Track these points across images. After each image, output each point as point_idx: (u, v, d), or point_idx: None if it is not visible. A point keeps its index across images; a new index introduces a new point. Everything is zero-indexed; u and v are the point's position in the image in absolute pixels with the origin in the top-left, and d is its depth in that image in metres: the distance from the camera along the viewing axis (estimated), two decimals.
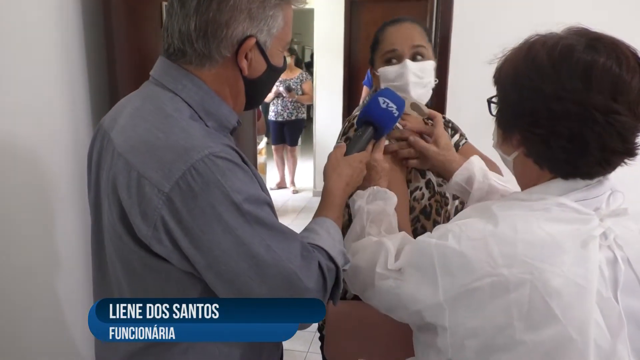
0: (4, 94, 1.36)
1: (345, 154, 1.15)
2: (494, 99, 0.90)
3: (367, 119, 1.19)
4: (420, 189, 1.29)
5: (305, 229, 1.01)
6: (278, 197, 5.80)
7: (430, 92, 1.33)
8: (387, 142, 1.25)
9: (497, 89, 0.88)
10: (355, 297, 1.32)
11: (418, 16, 1.56)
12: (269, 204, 0.89)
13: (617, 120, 0.74)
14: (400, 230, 1.08)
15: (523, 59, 0.81)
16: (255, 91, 0.98)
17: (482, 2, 2.27)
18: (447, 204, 1.33)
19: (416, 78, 1.26)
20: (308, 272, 0.87)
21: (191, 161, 0.80)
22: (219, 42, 0.87)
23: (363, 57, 4.52)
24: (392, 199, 1.15)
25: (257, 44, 0.90)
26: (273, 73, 0.97)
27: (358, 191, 1.17)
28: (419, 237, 0.89)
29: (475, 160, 1.20)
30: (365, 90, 4.61)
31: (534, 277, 0.73)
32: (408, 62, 1.25)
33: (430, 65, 1.28)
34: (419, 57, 1.27)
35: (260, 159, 4.93)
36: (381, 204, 1.13)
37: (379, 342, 1.20)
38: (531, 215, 0.79)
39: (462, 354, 0.80)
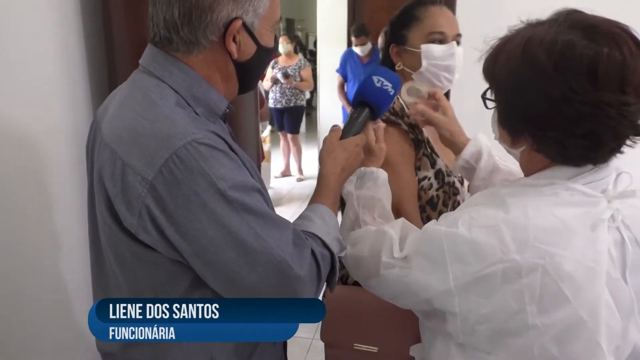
0: (2, 84, 1.36)
1: (341, 138, 1.12)
2: (488, 96, 0.88)
3: (362, 99, 1.16)
4: (429, 179, 1.28)
5: (300, 217, 1.00)
6: (283, 185, 5.80)
7: None
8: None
9: (495, 90, 0.86)
10: (356, 283, 1.32)
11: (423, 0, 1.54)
12: (260, 191, 0.88)
13: (628, 111, 0.73)
14: (410, 220, 1.08)
15: (521, 61, 0.78)
16: (247, 74, 0.96)
17: None
18: (455, 194, 1.31)
19: (460, 62, 1.28)
20: (300, 260, 0.86)
21: (174, 148, 0.79)
22: (205, 27, 0.86)
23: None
24: (381, 176, 1.14)
25: (244, 25, 0.88)
26: (264, 54, 0.95)
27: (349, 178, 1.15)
28: (427, 225, 0.89)
29: (481, 136, 1.20)
30: (339, 79, 4.69)
31: (546, 261, 0.74)
32: (455, 45, 1.27)
33: (462, 52, 1.30)
34: (459, 44, 1.29)
35: (265, 146, 4.92)
36: (371, 185, 1.12)
37: (376, 327, 1.21)
38: (541, 200, 0.79)
39: (474, 338, 0.81)
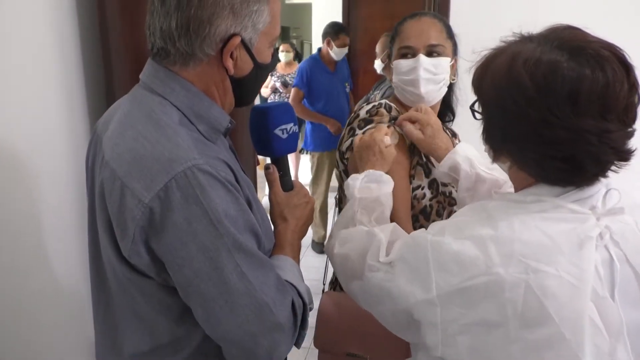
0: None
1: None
2: (475, 107, 0.87)
3: (278, 156, 1.07)
4: (422, 188, 1.28)
5: None
6: None
7: (444, 89, 1.31)
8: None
9: (480, 104, 0.85)
10: None
11: (415, 9, 1.56)
12: (253, 230, 0.86)
13: (610, 138, 0.72)
14: (401, 227, 1.08)
15: (505, 80, 0.77)
16: (243, 90, 0.94)
17: None
18: (451, 205, 1.31)
19: (428, 74, 1.24)
20: (281, 307, 0.85)
21: (173, 173, 0.78)
22: (202, 40, 0.84)
23: (361, 51, 4.47)
24: (388, 183, 1.13)
25: (243, 41, 0.87)
26: (261, 71, 0.93)
27: (353, 175, 1.15)
28: (414, 232, 0.89)
29: (460, 149, 1.19)
30: (295, 91, 3.87)
31: (530, 277, 0.73)
32: (422, 57, 1.23)
33: (445, 62, 1.26)
34: (434, 54, 1.25)
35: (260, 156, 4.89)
36: (374, 187, 1.11)
37: (368, 335, 1.20)
38: (528, 215, 0.78)
39: (453, 351, 0.79)
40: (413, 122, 1.25)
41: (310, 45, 7.13)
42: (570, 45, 0.74)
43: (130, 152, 0.82)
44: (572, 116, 0.71)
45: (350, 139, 1.28)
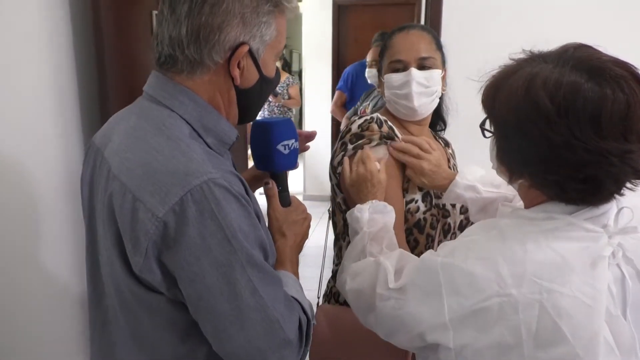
0: None
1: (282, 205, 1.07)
2: (487, 126, 0.86)
3: (278, 172, 1.07)
4: (416, 201, 1.28)
5: None
6: None
7: (437, 100, 1.32)
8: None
9: (494, 125, 0.84)
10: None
11: (406, 21, 1.58)
12: (262, 245, 0.86)
13: (632, 159, 0.72)
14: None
15: (523, 101, 0.74)
16: (247, 102, 0.94)
17: (471, 8, 2.27)
18: (445, 217, 1.31)
19: (421, 87, 1.25)
20: (290, 323, 0.85)
21: (189, 187, 0.76)
22: (211, 47, 0.84)
23: (352, 61, 4.49)
24: (391, 213, 1.14)
25: (250, 52, 0.87)
26: (265, 84, 0.93)
27: (357, 205, 1.15)
28: (423, 255, 0.88)
29: (460, 180, 1.19)
30: (338, 94, 3.99)
31: (543, 297, 0.72)
32: (413, 70, 1.24)
33: (436, 74, 1.27)
34: (426, 67, 1.26)
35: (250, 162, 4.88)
36: (380, 218, 1.11)
37: (364, 348, 1.20)
38: (540, 234, 0.77)
39: None
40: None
41: (300, 54, 7.15)
42: (586, 65, 0.73)
43: (142, 165, 0.80)
44: (595, 138, 0.70)
45: (342, 153, 1.28)
